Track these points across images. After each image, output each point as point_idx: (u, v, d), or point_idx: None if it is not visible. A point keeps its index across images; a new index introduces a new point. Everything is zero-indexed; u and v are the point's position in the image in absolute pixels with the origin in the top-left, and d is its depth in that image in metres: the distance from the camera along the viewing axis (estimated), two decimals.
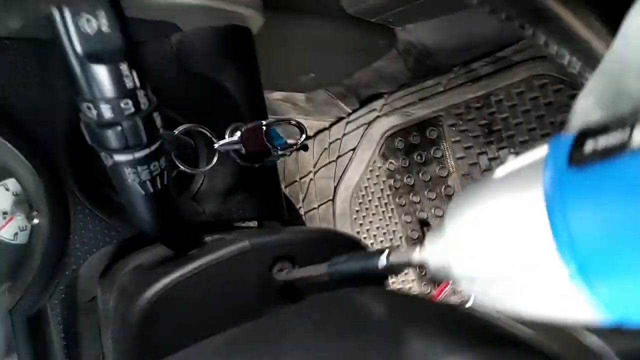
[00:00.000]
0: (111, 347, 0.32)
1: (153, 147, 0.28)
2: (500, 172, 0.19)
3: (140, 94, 0.26)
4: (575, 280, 0.14)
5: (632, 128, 0.14)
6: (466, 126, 1.00)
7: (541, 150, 0.17)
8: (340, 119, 1.17)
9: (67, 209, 0.39)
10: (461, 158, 1.01)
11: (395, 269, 0.25)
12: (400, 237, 1.13)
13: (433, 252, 0.21)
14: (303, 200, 1.26)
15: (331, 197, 1.22)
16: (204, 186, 0.47)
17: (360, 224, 1.19)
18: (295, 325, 0.22)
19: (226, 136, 0.44)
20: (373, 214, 1.17)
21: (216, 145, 0.43)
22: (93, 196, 0.41)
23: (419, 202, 1.08)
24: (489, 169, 0.97)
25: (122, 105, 0.25)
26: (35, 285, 0.37)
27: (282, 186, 1.25)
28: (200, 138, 0.45)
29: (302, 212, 1.25)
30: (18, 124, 0.37)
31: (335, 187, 1.21)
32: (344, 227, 1.21)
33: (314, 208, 1.24)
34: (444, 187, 1.04)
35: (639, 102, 0.16)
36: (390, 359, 0.17)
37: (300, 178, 1.24)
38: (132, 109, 0.26)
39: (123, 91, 0.25)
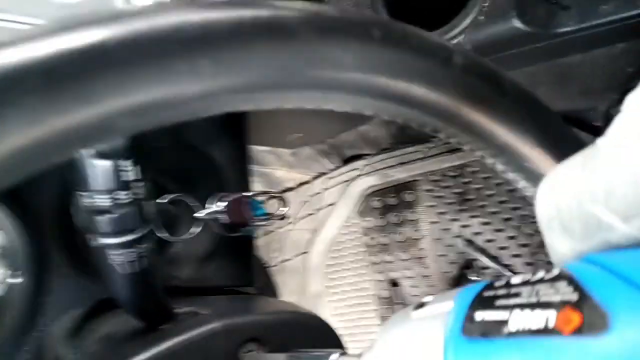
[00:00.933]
0: None
1: (140, 233, 0.29)
2: (417, 313, 0.21)
3: (138, 185, 0.28)
4: None
5: (511, 310, 0.16)
6: (441, 193, 1.04)
7: (448, 304, 0.19)
8: (323, 174, 1.20)
9: (47, 270, 0.40)
10: (435, 222, 1.04)
11: None
12: (371, 295, 1.14)
13: None
14: (279, 249, 1.27)
15: (306, 250, 1.23)
16: (181, 251, 0.48)
17: (333, 279, 1.20)
18: None
19: (212, 205, 0.46)
20: (346, 270, 1.19)
21: (200, 215, 0.45)
22: (72, 258, 0.42)
23: (391, 262, 1.10)
24: (460, 235, 1.00)
25: (117, 196, 0.27)
26: (6, 344, 0.37)
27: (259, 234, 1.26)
28: (182, 204, 0.47)
29: (277, 261, 1.26)
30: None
31: (311, 240, 1.22)
32: (317, 280, 1.22)
33: (288, 259, 1.25)
34: (416, 249, 1.06)
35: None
36: None
37: (278, 227, 1.25)
38: (127, 200, 0.28)
39: (121, 184, 0.27)
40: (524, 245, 0.92)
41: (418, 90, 0.21)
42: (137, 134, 0.17)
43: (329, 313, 1.19)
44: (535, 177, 0.25)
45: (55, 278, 0.42)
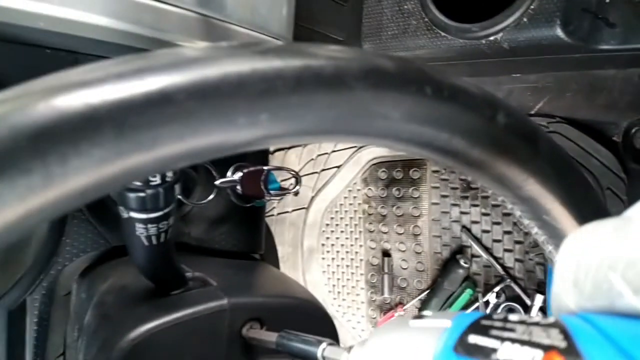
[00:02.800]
0: None
1: (166, 210, 0.31)
2: (415, 323, 0.22)
3: None
4: None
5: (502, 342, 0.17)
6: (448, 176, 1.05)
7: (447, 322, 0.21)
8: None
9: (66, 214, 0.42)
10: (435, 204, 1.06)
11: None
12: (361, 260, 1.18)
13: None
14: (279, 201, 1.29)
15: (306, 206, 1.25)
16: (194, 211, 0.50)
17: (327, 238, 1.24)
18: None
19: (228, 174, 0.47)
20: (341, 232, 1.22)
21: (217, 182, 0.46)
22: (90, 206, 0.44)
23: (386, 233, 1.13)
24: (458, 221, 1.03)
25: (150, 177, 0.28)
26: (24, 282, 0.40)
27: None
28: (202, 169, 0.48)
29: (275, 212, 1.29)
30: None
31: (313, 198, 1.24)
32: (312, 236, 1.25)
33: (287, 212, 1.28)
34: (412, 226, 1.09)
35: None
36: None
37: (282, 180, 1.27)
38: (159, 181, 0.29)
39: None
40: (518, 242, 0.95)
41: (459, 143, 0.22)
42: None
43: (320, 269, 1.23)
44: (551, 229, 0.27)
45: (73, 222, 0.44)
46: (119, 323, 0.34)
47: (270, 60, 0.17)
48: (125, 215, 0.31)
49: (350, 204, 1.20)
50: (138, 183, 0.28)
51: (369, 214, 1.16)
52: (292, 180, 0.54)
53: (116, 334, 0.32)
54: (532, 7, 0.60)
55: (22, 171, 0.13)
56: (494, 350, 0.17)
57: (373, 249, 1.16)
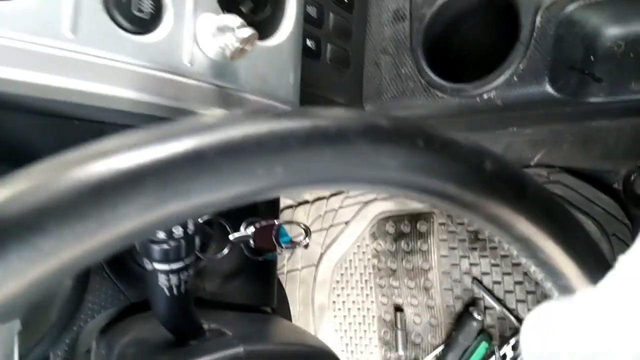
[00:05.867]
0: None
1: (187, 261, 0.33)
2: None
3: (191, 221, 0.32)
4: None
5: None
6: (455, 228, 1.06)
7: None
8: (340, 192, 1.23)
9: (88, 272, 0.44)
10: (445, 256, 1.07)
11: None
12: (373, 317, 1.17)
13: None
14: (288, 259, 1.30)
15: (315, 263, 1.26)
16: (208, 265, 0.52)
17: (338, 295, 1.23)
18: None
19: (241, 229, 0.50)
20: (352, 288, 1.22)
21: (231, 237, 0.49)
22: (111, 263, 0.46)
23: (397, 287, 1.13)
24: (468, 273, 1.03)
25: (173, 229, 0.31)
26: (48, 338, 0.41)
27: None
28: (216, 225, 0.51)
29: (285, 270, 1.29)
30: None
31: (322, 254, 1.25)
32: (323, 293, 1.25)
33: (297, 269, 1.28)
34: (423, 279, 1.09)
35: None
36: None
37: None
38: (181, 233, 0.32)
39: None
40: (530, 293, 0.95)
41: (451, 188, 0.25)
42: None
43: (332, 328, 1.22)
44: (547, 267, 0.29)
45: (95, 280, 0.46)
46: None
47: (284, 122, 0.20)
48: (149, 267, 0.33)
49: (360, 260, 1.21)
50: (162, 236, 0.31)
51: (379, 269, 1.16)
52: (302, 235, 0.56)
53: None
54: (521, 66, 0.64)
55: (80, 217, 0.16)
56: None
57: (385, 304, 1.15)
